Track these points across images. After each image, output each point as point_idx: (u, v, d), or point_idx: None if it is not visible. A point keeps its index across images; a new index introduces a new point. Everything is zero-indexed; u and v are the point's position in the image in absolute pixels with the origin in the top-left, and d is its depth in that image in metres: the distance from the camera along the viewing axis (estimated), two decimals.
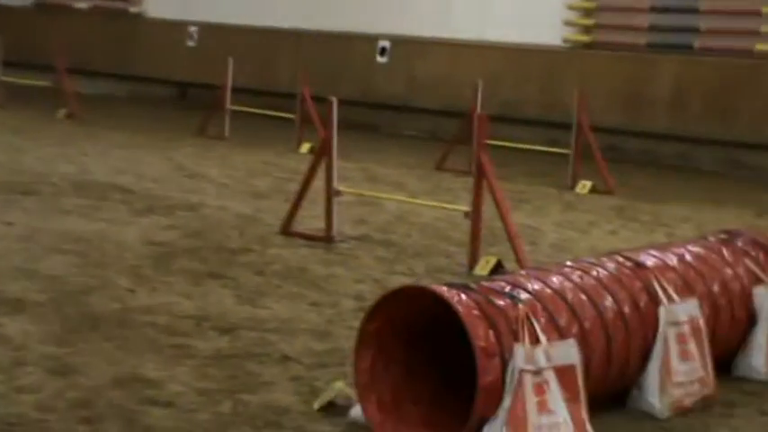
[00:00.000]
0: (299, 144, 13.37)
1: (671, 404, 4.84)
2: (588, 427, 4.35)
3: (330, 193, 8.23)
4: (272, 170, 11.81)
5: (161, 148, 12.94)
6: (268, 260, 7.52)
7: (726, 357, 5.41)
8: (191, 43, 18.55)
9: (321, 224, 8.33)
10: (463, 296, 4.34)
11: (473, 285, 4.54)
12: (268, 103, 15.36)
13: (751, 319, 5.48)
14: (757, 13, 13.72)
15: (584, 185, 11.53)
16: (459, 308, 4.24)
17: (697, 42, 14.03)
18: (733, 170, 13.43)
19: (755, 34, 13.67)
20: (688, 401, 4.90)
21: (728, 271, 5.49)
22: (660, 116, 14.18)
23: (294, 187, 8.93)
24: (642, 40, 14.48)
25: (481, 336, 4.19)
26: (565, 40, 15.08)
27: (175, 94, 18.90)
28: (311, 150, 12.09)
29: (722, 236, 5.90)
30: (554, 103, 14.39)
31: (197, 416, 4.55)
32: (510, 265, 7.38)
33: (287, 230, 8.39)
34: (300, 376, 5.12)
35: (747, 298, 5.48)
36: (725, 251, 5.64)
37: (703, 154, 13.78)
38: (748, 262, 5.62)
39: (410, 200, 10.00)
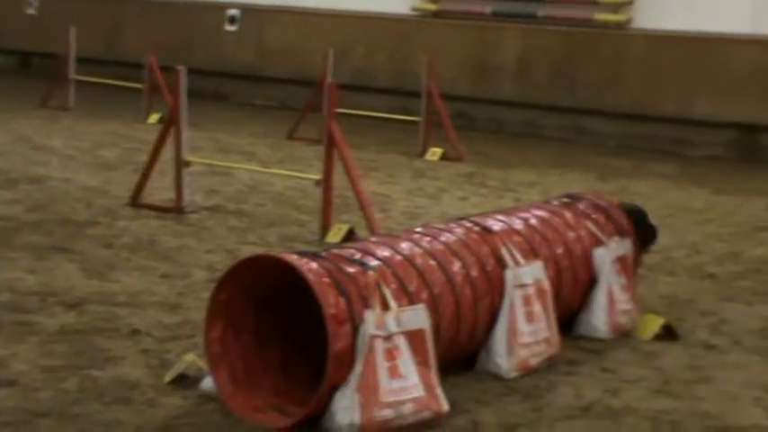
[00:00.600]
0: (147, 114, 13.12)
1: (517, 364, 4.97)
2: (438, 390, 4.44)
3: (179, 164, 8.13)
4: (120, 141, 11.58)
5: (2, 119, 12.51)
6: (116, 233, 7.39)
7: (568, 317, 5.58)
8: (31, 11, 17.95)
9: (171, 195, 8.22)
10: (313, 264, 4.36)
11: (323, 253, 4.56)
12: (116, 72, 15.01)
13: (592, 280, 5.66)
14: None
15: (435, 153, 11.68)
16: (310, 276, 4.25)
17: (540, 11, 14.32)
18: (577, 136, 13.80)
19: (595, 4, 14.05)
20: (534, 361, 5.04)
21: (571, 234, 5.66)
22: (506, 84, 14.45)
23: (143, 158, 8.78)
24: (488, 8, 14.69)
25: (331, 303, 4.22)
26: (413, 9, 15.19)
27: (17, 63, 18.29)
28: (160, 120, 11.89)
29: (565, 200, 6.07)
30: (404, 72, 14.49)
31: (41, 394, 4.45)
32: (362, 232, 7.44)
33: (136, 202, 8.25)
34: (151, 349, 5.06)
35: (589, 259, 5.66)
36: (567, 214, 5.81)
37: (548, 120, 14.11)
38: (589, 224, 5.80)
39: (262, 169, 9.96)
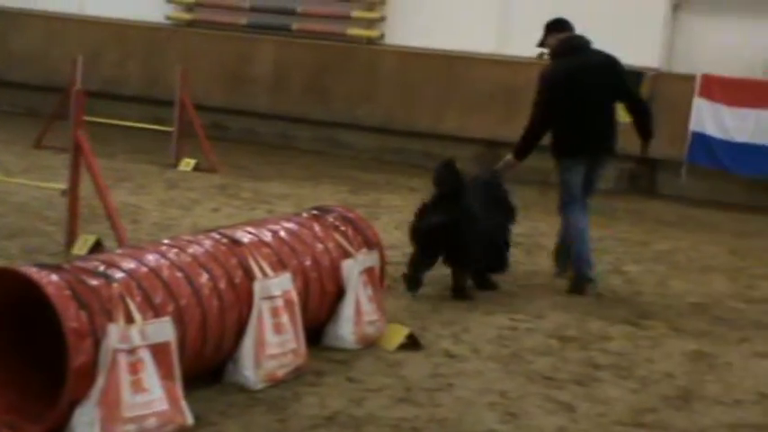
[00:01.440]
0: None
1: (264, 376, 5.00)
2: (183, 403, 4.40)
3: None
4: None
5: None
6: None
7: (316, 328, 5.66)
8: None
9: None
10: (54, 277, 4.23)
11: (66, 266, 4.44)
12: None
13: (339, 291, 5.76)
14: None
15: (188, 163, 11.56)
16: (49, 288, 4.13)
17: (295, 24, 14.45)
18: (330, 149, 13.99)
19: (347, 18, 14.31)
20: (281, 372, 5.08)
21: (319, 245, 5.74)
22: (261, 96, 14.48)
23: None
24: (243, 19, 14.68)
25: (72, 316, 4.11)
26: (167, 18, 14.98)
27: None
28: None
29: (314, 212, 6.15)
30: (157, 81, 14.26)
31: None
32: (110, 244, 7.27)
33: None
34: None
35: (336, 271, 5.76)
36: (316, 226, 5.89)
37: (303, 133, 14.24)
38: (338, 236, 5.90)
39: (6, 179, 9.55)
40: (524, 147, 7.70)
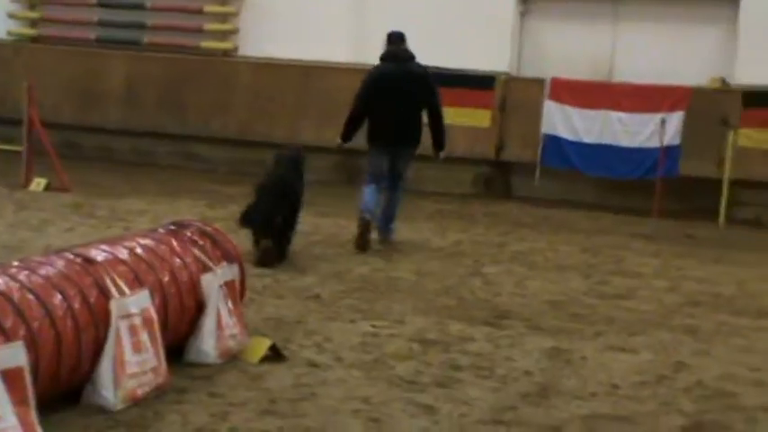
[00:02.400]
0: None
1: (124, 396, 4.90)
2: (38, 428, 4.27)
3: None
4: None
5: None
6: None
7: (177, 344, 5.58)
8: None
9: None
10: None
11: None
12: None
13: (200, 306, 5.70)
14: (200, 12, 14.26)
15: (39, 183, 11.28)
16: None
17: (145, 38, 14.27)
18: (187, 163, 13.86)
19: (200, 32, 14.20)
20: (141, 391, 4.99)
21: (177, 261, 5.67)
22: (114, 112, 14.24)
23: None
24: (91, 34, 14.42)
25: None
26: (9, 33, 14.59)
27: None
28: None
29: (172, 227, 6.07)
30: (4, 99, 13.88)
31: None
32: None
33: None
34: None
35: (196, 285, 5.69)
36: (174, 242, 5.81)
37: (158, 148, 14.07)
38: (196, 251, 5.83)
39: None
40: (345, 131, 9.66)
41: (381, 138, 9.47)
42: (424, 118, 9.58)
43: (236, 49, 14.32)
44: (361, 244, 9.20)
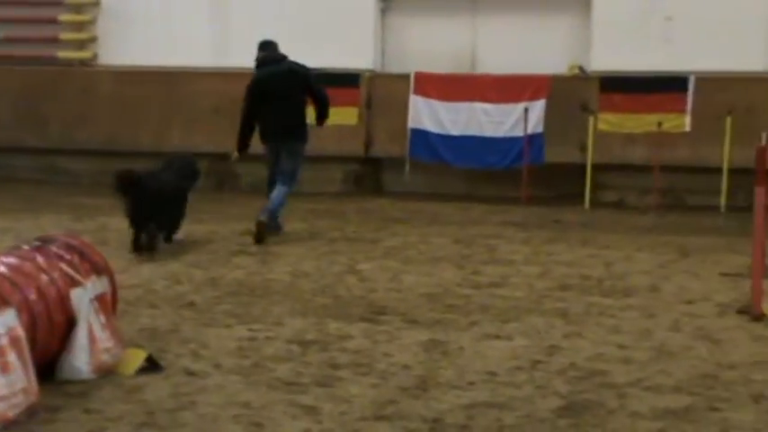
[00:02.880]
0: None
1: None
2: None
3: None
4: None
5: None
6: None
7: (49, 362, 5.45)
8: None
9: None
10: None
11: None
12: None
13: (71, 322, 5.57)
14: (55, 21, 13.94)
15: None
16: None
17: None
18: (50, 176, 13.53)
19: (56, 41, 13.88)
20: (12, 413, 4.84)
21: (44, 277, 5.53)
22: None
23: None
24: None
25: None
26: None
27: None
28: None
29: (36, 243, 5.92)
30: None
31: None
32: None
33: None
34: None
35: (65, 301, 5.56)
36: (39, 258, 5.66)
37: (18, 162, 13.71)
38: (64, 266, 5.70)
39: None
40: (239, 142, 10.16)
41: (270, 136, 10.13)
42: (309, 116, 10.29)
43: (95, 57, 14.04)
44: (258, 241, 9.75)
